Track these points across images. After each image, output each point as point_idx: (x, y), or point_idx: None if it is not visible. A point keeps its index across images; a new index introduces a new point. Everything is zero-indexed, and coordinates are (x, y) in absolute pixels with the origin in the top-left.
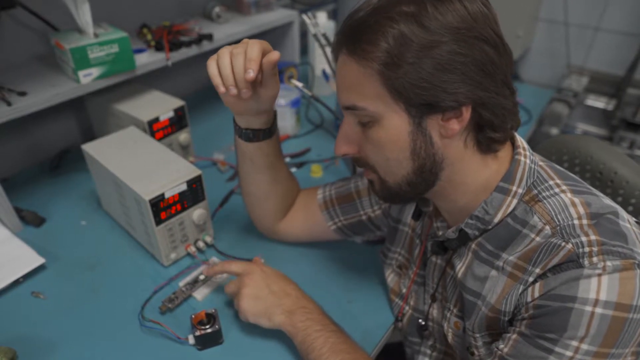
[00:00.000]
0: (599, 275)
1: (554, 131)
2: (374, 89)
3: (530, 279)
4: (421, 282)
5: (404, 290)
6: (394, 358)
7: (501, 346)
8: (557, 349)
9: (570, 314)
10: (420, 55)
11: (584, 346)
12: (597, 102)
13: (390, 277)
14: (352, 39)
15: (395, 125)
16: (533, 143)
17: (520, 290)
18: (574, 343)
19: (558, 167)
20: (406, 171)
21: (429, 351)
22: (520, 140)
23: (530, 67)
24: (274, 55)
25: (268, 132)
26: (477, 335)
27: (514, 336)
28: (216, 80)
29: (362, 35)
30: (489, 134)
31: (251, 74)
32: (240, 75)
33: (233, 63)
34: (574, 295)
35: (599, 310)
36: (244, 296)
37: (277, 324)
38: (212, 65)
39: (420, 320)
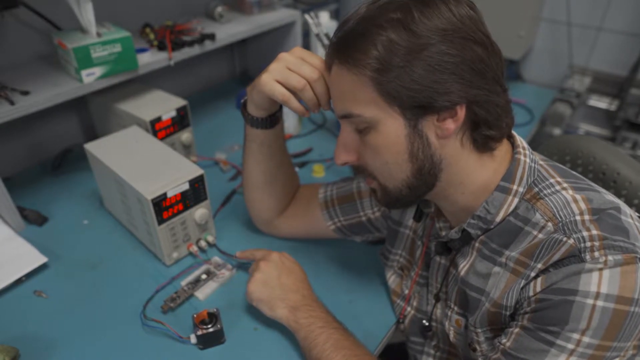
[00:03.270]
0: (600, 269)
1: (557, 131)
2: (368, 95)
3: (532, 274)
4: (424, 282)
5: (406, 292)
6: (395, 359)
7: (503, 340)
8: (558, 341)
9: (572, 307)
10: (409, 59)
11: (586, 339)
12: (600, 103)
13: (392, 279)
14: (342, 48)
15: (392, 129)
16: (535, 143)
17: (521, 285)
18: (576, 336)
19: (559, 165)
20: (405, 174)
21: (432, 351)
22: (520, 140)
23: (532, 67)
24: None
25: (275, 117)
26: (479, 330)
27: (517, 330)
28: (301, 110)
29: (352, 44)
30: (484, 131)
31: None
32: (326, 99)
33: (317, 91)
34: (575, 288)
35: (600, 303)
36: (254, 279)
37: (278, 317)
38: (293, 102)
39: (424, 321)
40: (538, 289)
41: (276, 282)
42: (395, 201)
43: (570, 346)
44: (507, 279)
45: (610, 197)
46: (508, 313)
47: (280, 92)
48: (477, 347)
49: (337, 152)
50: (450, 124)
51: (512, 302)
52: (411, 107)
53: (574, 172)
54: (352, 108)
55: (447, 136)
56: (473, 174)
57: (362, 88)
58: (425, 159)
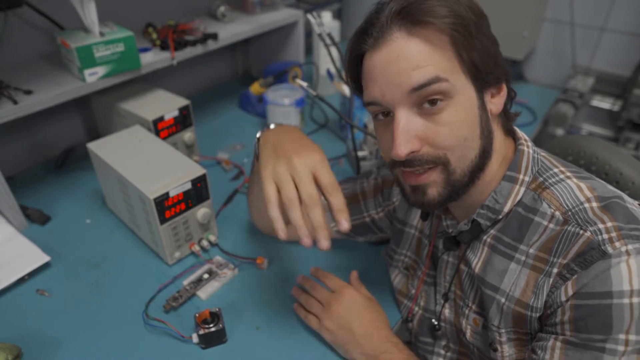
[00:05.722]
0: (626, 261)
1: (559, 132)
2: (448, 60)
3: (555, 270)
4: (431, 282)
5: (413, 291)
6: None
7: (547, 357)
8: (608, 345)
9: (611, 310)
10: (477, 26)
11: (632, 337)
12: (603, 103)
13: (397, 279)
14: (414, 14)
15: (468, 99)
16: (538, 143)
17: (548, 284)
18: (622, 336)
19: (559, 158)
20: (475, 153)
21: (442, 351)
22: (521, 133)
23: (535, 67)
24: (345, 226)
25: None
26: (503, 331)
27: (560, 344)
28: (276, 221)
29: (425, 11)
30: (508, 111)
31: (326, 245)
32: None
33: (312, 217)
34: (609, 290)
35: (636, 300)
36: (329, 320)
37: None
38: (273, 210)
39: (433, 321)
40: (570, 292)
41: (352, 324)
42: (453, 194)
43: (621, 348)
44: (528, 276)
45: (610, 187)
46: (535, 315)
47: (268, 194)
48: (499, 348)
49: (399, 141)
50: (499, 100)
51: (540, 304)
52: (480, 78)
53: (575, 165)
54: (436, 72)
55: (497, 112)
56: (494, 160)
57: (443, 52)
58: (488, 135)
